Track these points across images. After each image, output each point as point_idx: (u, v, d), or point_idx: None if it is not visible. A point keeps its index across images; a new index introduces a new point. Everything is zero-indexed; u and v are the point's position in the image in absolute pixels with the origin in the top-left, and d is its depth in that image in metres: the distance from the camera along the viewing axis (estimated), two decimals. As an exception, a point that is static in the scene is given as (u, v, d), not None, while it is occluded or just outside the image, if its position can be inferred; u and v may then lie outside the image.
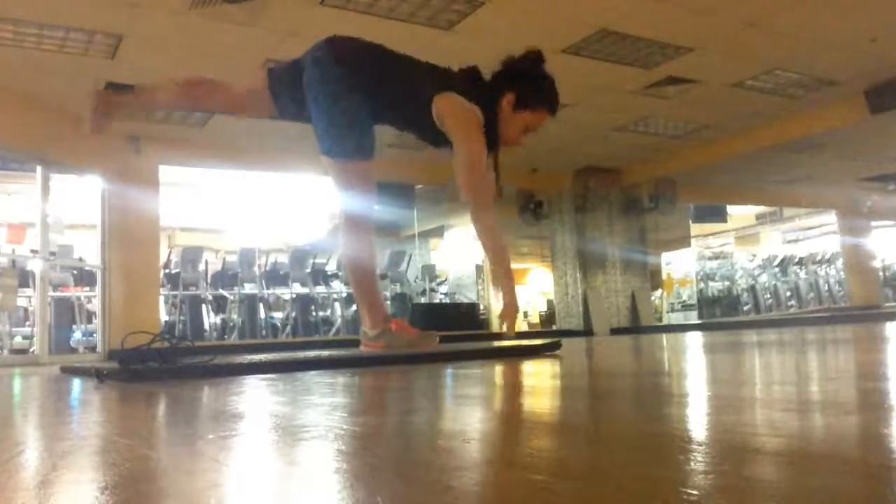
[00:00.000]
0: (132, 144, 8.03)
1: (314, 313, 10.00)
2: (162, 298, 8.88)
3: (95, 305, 8.13)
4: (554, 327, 12.07)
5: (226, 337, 9.46)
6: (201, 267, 9.56)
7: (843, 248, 14.35)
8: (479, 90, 2.55)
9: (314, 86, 2.52)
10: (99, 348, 7.79)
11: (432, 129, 2.54)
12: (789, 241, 17.28)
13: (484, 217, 2.50)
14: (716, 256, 15.26)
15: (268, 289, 9.83)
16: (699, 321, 12.40)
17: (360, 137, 2.55)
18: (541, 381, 1.76)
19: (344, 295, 10.02)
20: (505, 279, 2.48)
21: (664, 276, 13.98)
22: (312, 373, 2.15)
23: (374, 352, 2.66)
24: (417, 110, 2.53)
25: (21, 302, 8.12)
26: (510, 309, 2.48)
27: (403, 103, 2.59)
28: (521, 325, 17.44)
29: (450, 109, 2.48)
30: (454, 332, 9.51)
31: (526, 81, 2.60)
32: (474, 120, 2.48)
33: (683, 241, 13.76)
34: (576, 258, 10.98)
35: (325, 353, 3.43)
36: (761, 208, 15.79)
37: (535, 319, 17.55)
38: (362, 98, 2.52)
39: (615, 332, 10.25)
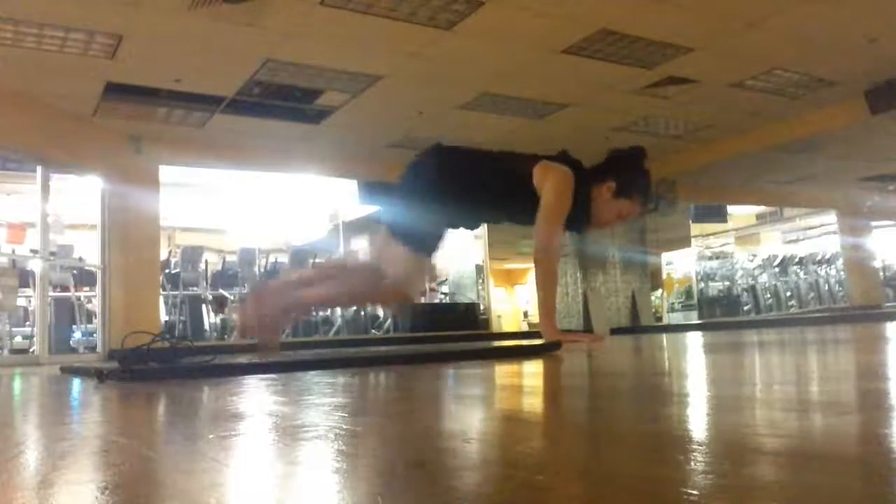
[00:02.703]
0: (132, 144, 8.02)
1: (314, 313, 9.97)
2: (162, 298, 8.87)
3: (95, 305, 8.13)
4: (554, 327, 12.04)
5: (226, 337, 9.45)
6: (201, 267, 9.55)
7: (843, 248, 14.33)
8: (575, 168, 2.76)
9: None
10: (99, 348, 7.79)
11: (531, 203, 2.72)
12: (789, 241, 17.26)
13: (543, 265, 2.76)
14: (716, 256, 15.26)
15: (268, 289, 9.80)
16: (699, 321, 12.39)
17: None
18: (541, 381, 1.76)
19: (344, 295, 9.99)
20: (543, 324, 2.79)
21: (664, 276, 13.96)
22: (312, 373, 2.15)
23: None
24: (517, 190, 2.74)
25: (21, 302, 8.12)
26: (549, 338, 2.78)
27: (503, 190, 2.78)
28: (521, 325, 17.44)
29: (550, 169, 2.71)
30: (454, 332, 9.53)
31: (628, 173, 2.89)
32: (570, 182, 2.71)
33: (683, 241, 13.74)
34: (576, 258, 10.97)
35: (326, 352, 3.43)
36: (761, 208, 15.76)
37: (536, 319, 17.52)
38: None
39: (615, 332, 10.23)
